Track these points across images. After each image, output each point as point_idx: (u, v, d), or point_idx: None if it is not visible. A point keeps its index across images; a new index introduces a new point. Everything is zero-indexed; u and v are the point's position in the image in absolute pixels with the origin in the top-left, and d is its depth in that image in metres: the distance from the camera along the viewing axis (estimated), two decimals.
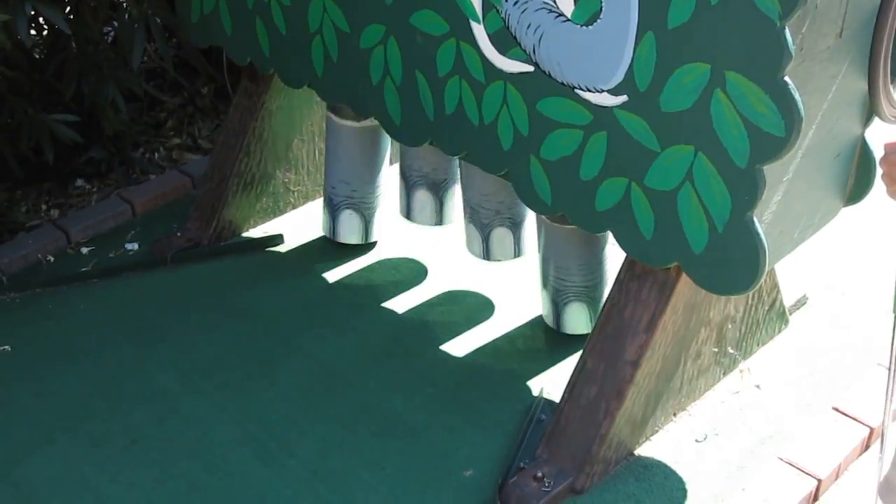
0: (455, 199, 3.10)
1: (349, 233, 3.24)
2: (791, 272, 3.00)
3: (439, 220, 3.15)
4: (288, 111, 3.28)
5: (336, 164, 3.14)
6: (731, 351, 2.74)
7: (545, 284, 2.85)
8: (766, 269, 2.21)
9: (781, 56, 1.98)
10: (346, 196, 3.17)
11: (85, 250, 3.31)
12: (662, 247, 2.31)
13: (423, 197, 3.10)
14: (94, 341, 2.95)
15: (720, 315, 2.63)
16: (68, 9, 3.40)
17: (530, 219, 2.94)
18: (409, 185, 3.10)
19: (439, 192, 3.09)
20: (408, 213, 3.16)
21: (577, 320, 2.85)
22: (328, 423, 2.68)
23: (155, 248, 3.29)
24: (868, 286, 3.11)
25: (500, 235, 2.96)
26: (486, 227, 2.96)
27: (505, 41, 2.39)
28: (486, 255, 3.01)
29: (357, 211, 3.19)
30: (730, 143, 2.11)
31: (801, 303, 3.01)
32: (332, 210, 3.22)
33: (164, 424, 2.68)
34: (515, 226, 2.96)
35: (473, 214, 2.97)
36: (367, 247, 3.28)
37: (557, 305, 2.84)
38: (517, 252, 3.01)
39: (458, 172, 3.02)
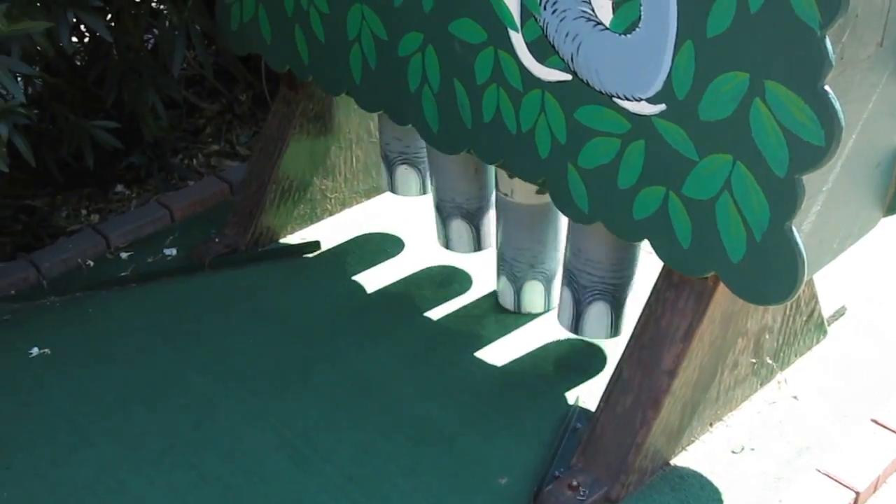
0: (491, 224, 3.12)
1: (406, 187, 3.30)
2: (829, 282, 2.98)
3: (477, 246, 3.17)
4: (326, 118, 3.30)
5: (388, 120, 3.16)
6: (768, 361, 2.72)
7: (569, 282, 2.80)
8: (805, 278, 2.19)
9: (822, 65, 1.97)
10: (400, 152, 3.22)
11: (124, 255, 3.34)
12: (700, 256, 2.30)
13: (459, 227, 3.12)
14: (133, 345, 2.98)
15: (757, 325, 2.61)
16: (109, 16, 3.44)
17: (560, 274, 2.96)
18: (444, 216, 3.12)
19: (474, 220, 3.10)
20: (446, 243, 3.18)
21: (598, 325, 2.80)
22: (363, 428, 2.69)
23: (193, 253, 3.32)
24: None
25: (532, 289, 3.00)
26: (518, 280, 2.98)
27: (543, 50, 2.40)
28: (518, 307, 3.04)
29: (412, 165, 3.24)
30: (769, 153, 2.10)
31: (839, 313, 2.99)
32: (389, 165, 3.27)
33: (200, 428, 2.70)
34: (548, 280, 2.99)
35: (506, 267, 2.99)
36: (402, 253, 3.30)
37: (580, 304, 2.80)
38: (547, 306, 3.04)
39: (492, 199, 3.04)
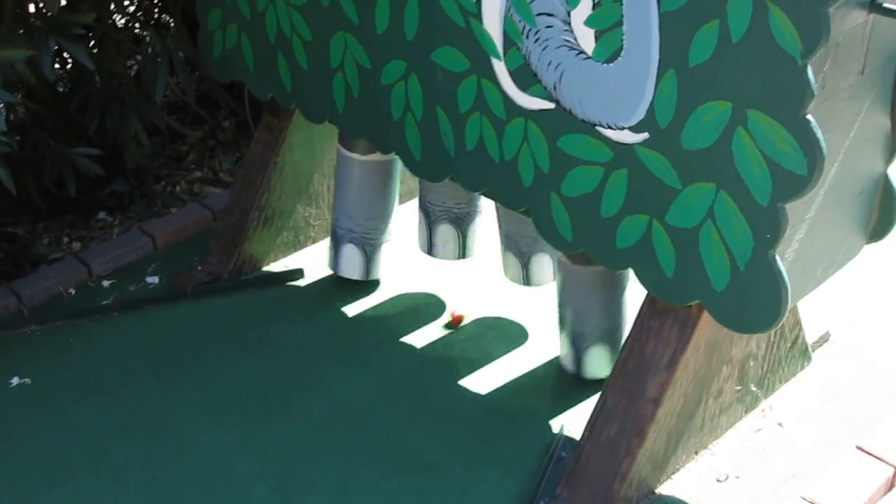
0: (477, 231, 3.11)
1: (350, 268, 3.20)
2: (813, 309, 2.97)
3: (462, 253, 3.14)
4: (309, 146, 3.29)
5: (342, 196, 3.14)
6: (753, 388, 2.72)
7: (563, 328, 2.82)
8: (789, 307, 2.20)
9: (803, 94, 1.98)
10: (349, 230, 3.16)
11: (106, 283, 3.32)
12: (684, 284, 2.30)
13: (445, 231, 3.09)
14: (115, 375, 2.95)
15: (742, 352, 2.61)
16: (92, 43, 3.43)
17: None
18: (431, 220, 3.09)
19: (462, 225, 3.08)
20: (429, 248, 3.14)
21: (599, 365, 2.81)
22: (347, 459, 2.67)
23: (175, 281, 3.30)
24: (891, 323, 3.08)
25: (541, 261, 2.96)
26: (525, 255, 2.96)
27: (526, 78, 2.40)
28: (527, 280, 3.01)
29: (359, 246, 3.17)
30: (752, 181, 2.11)
31: (823, 339, 2.99)
32: (336, 243, 3.21)
33: (183, 459, 2.68)
34: (554, 251, 2.92)
35: (511, 243, 2.96)
36: (385, 280, 3.28)
37: (578, 350, 2.81)
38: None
39: (481, 205, 3.04)
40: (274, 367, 2.97)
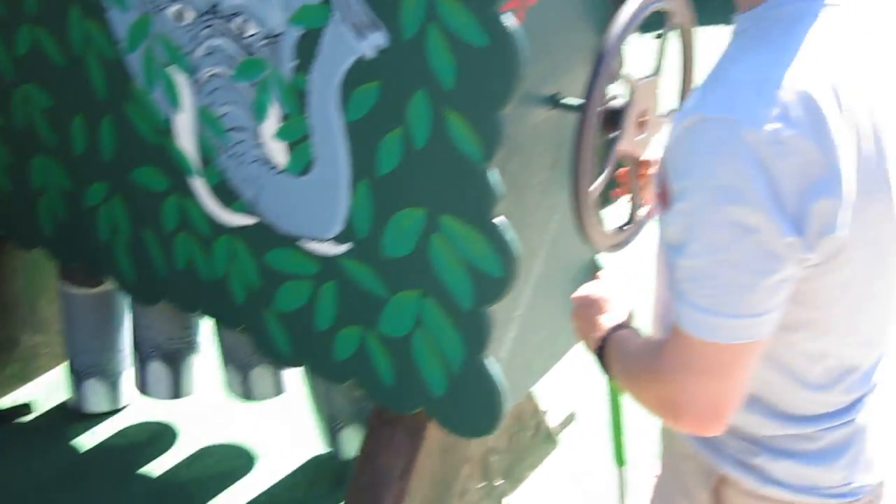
0: (192, 370, 2.95)
1: (96, 401, 3.04)
2: (555, 392, 2.95)
3: (176, 392, 2.96)
4: (29, 272, 3.10)
5: (74, 333, 2.97)
6: (498, 483, 2.68)
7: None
8: (507, 407, 2.16)
9: (489, 196, 1.96)
10: (90, 365, 2.99)
11: None
12: (405, 392, 2.24)
13: (157, 369, 2.92)
14: None
15: (481, 449, 2.57)
16: None
17: None
18: (142, 357, 2.92)
19: (175, 362, 2.92)
20: (143, 386, 2.95)
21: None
22: None
23: None
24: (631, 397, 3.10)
25: (261, 373, 2.82)
26: (246, 366, 2.80)
27: (227, 194, 2.31)
28: (248, 394, 2.84)
29: (103, 378, 3.01)
30: (453, 286, 2.07)
31: (568, 420, 2.98)
32: (77, 380, 3.02)
33: None
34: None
35: (231, 354, 2.81)
36: (117, 410, 3.10)
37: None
38: (278, 389, 2.87)
39: (196, 341, 2.91)
40: None
